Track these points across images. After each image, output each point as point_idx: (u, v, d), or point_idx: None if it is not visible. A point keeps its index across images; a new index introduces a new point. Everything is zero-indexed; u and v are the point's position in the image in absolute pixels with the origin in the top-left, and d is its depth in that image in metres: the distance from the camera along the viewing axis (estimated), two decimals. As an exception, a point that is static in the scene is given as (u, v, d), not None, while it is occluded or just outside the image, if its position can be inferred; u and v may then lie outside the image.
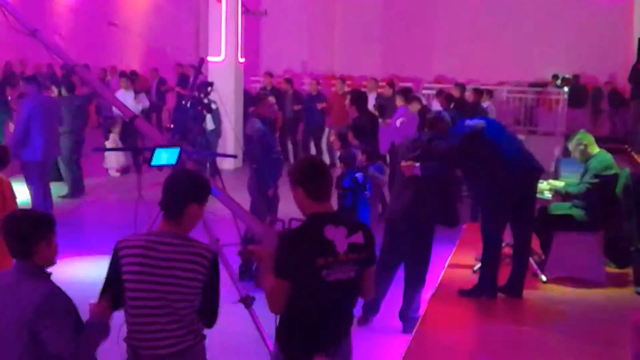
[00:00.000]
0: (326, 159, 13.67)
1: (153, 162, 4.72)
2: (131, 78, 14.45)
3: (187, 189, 3.25)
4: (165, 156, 4.73)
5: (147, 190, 5.31)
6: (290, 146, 15.04)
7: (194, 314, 3.22)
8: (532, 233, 6.69)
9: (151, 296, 3.16)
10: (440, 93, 12.62)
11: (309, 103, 14.56)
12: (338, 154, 8.06)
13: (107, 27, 18.96)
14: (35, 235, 3.13)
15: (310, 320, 3.31)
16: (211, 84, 10.48)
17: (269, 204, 7.53)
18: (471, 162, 6.30)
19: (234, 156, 8.98)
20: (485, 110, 12.17)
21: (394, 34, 18.80)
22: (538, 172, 6.51)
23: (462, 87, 12.96)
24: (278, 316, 3.38)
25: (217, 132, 12.52)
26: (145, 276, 3.16)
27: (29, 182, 9.05)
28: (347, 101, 9.55)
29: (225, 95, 12.41)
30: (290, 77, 15.57)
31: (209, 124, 11.90)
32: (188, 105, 9.74)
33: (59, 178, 11.12)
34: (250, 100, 14.54)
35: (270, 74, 15.43)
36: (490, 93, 13.98)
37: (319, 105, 14.39)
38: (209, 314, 3.30)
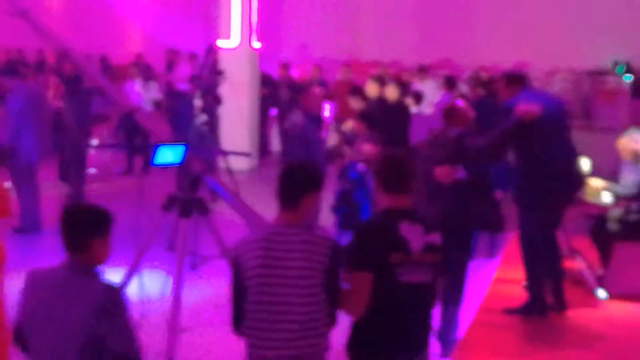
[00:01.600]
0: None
1: (156, 161, 4.69)
2: (138, 65, 14.46)
3: (304, 179, 3.50)
4: (169, 154, 4.71)
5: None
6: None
7: (319, 310, 3.41)
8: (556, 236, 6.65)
9: (280, 291, 3.36)
10: (473, 80, 12.51)
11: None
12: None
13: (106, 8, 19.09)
14: (92, 230, 3.29)
15: (384, 328, 3.52)
16: (221, 72, 10.56)
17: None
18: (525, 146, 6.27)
19: (247, 154, 8.96)
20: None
21: (428, 15, 18.68)
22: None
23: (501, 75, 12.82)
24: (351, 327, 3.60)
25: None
26: (271, 269, 3.36)
27: (18, 186, 9.11)
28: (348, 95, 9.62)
29: (238, 85, 12.42)
30: (287, 63, 15.55)
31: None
32: (198, 95, 9.82)
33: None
34: (271, 88, 14.69)
35: (285, 65, 15.44)
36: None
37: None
38: (331, 308, 3.46)
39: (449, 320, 6.15)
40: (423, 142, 6.51)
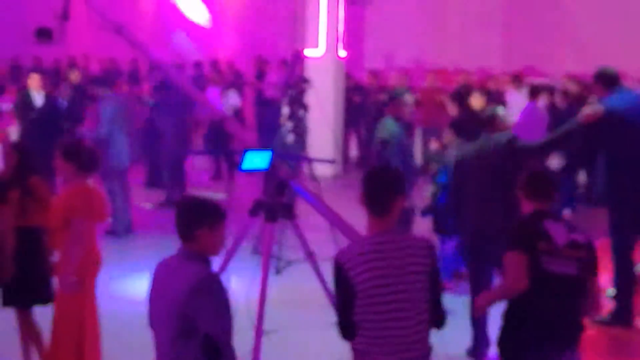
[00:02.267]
0: (417, 157, 13.34)
1: (244, 167, 4.77)
2: (218, 71, 14.70)
3: (392, 183, 3.52)
4: (256, 160, 4.78)
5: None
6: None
7: (427, 312, 3.48)
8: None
9: (398, 297, 3.41)
10: (546, 89, 12.12)
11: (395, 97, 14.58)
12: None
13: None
14: (197, 221, 3.46)
15: (533, 321, 3.88)
16: (307, 80, 10.61)
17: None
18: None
19: (332, 161, 8.99)
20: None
21: (516, 21, 18.39)
22: None
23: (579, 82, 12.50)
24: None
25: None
26: (383, 279, 3.39)
27: (111, 190, 9.40)
28: (448, 99, 9.50)
29: (324, 93, 12.49)
30: (375, 71, 15.65)
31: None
32: (285, 103, 9.93)
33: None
34: (359, 96, 14.78)
35: (374, 73, 15.51)
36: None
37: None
38: (438, 308, 3.53)
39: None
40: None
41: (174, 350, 3.40)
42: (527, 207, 4.16)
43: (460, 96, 9.49)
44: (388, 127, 7.49)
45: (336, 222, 5.06)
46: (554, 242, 3.91)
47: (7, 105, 13.91)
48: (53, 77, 14.47)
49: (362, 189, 3.52)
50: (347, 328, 3.48)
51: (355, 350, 3.52)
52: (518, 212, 4.32)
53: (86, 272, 5.10)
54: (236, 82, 16.08)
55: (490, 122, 5.96)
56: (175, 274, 3.46)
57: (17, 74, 17.13)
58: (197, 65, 18.19)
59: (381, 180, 3.53)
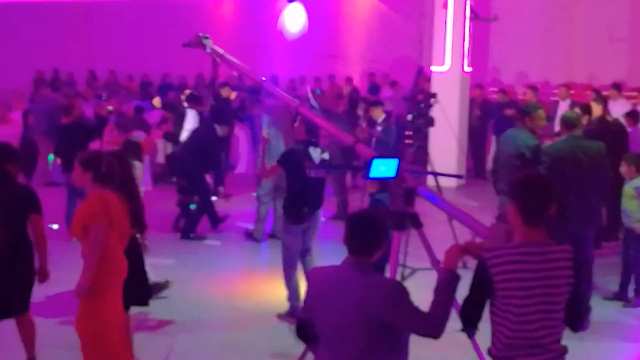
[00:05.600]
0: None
1: (371, 175, 4.73)
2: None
3: (547, 192, 3.45)
4: (383, 168, 4.73)
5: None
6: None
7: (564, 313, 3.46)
8: None
9: (540, 309, 3.37)
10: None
11: (497, 111, 14.40)
12: None
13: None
14: (380, 237, 3.55)
15: None
16: (434, 95, 10.50)
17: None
18: None
19: (460, 176, 8.80)
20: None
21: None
22: None
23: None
24: None
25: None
26: (529, 290, 3.35)
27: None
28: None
29: (450, 108, 12.36)
30: (481, 84, 15.57)
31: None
32: (409, 118, 9.86)
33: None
34: (488, 112, 14.62)
35: (503, 91, 15.29)
36: None
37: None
38: (577, 311, 3.51)
39: None
40: None
41: (362, 357, 3.45)
42: None
43: (586, 108, 9.32)
44: (523, 139, 7.36)
45: (473, 225, 4.92)
46: None
47: (155, 119, 14.55)
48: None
49: (517, 197, 3.43)
50: (469, 320, 3.50)
51: (494, 357, 3.49)
52: None
53: (105, 281, 5.00)
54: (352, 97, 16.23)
55: None
56: (359, 287, 3.45)
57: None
58: (317, 79, 18.49)
59: (539, 189, 3.45)
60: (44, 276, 5.65)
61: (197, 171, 10.03)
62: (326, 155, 7.19)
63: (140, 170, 7.55)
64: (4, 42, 21.11)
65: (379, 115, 11.12)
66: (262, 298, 7.75)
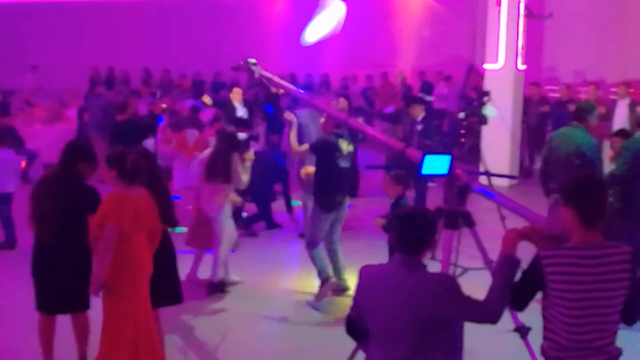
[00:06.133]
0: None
1: (423, 171, 4.62)
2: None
3: (605, 195, 3.45)
4: (436, 165, 4.62)
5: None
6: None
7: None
8: None
9: (594, 313, 3.31)
10: None
11: (557, 108, 14.07)
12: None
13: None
14: (430, 236, 3.57)
15: None
16: (487, 93, 10.34)
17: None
18: None
19: (514, 177, 8.64)
20: None
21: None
22: None
23: None
24: None
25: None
26: (585, 293, 3.29)
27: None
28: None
29: (504, 106, 12.17)
30: (537, 82, 15.25)
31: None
32: (462, 116, 9.78)
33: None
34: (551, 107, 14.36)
35: (567, 86, 15.01)
36: None
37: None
38: (633, 309, 3.42)
39: None
40: None
41: (415, 353, 3.44)
42: None
43: None
44: (582, 138, 7.23)
45: (531, 217, 4.78)
46: None
47: (207, 118, 14.61)
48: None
49: (575, 199, 3.35)
50: (518, 303, 3.47)
51: (547, 357, 3.43)
52: None
53: (124, 280, 5.01)
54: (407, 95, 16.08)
55: None
56: (410, 285, 3.46)
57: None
58: (369, 77, 18.38)
59: (599, 190, 3.41)
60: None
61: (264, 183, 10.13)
62: (351, 148, 7.50)
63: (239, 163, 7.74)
64: (60, 40, 21.51)
65: (419, 113, 10.70)
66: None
